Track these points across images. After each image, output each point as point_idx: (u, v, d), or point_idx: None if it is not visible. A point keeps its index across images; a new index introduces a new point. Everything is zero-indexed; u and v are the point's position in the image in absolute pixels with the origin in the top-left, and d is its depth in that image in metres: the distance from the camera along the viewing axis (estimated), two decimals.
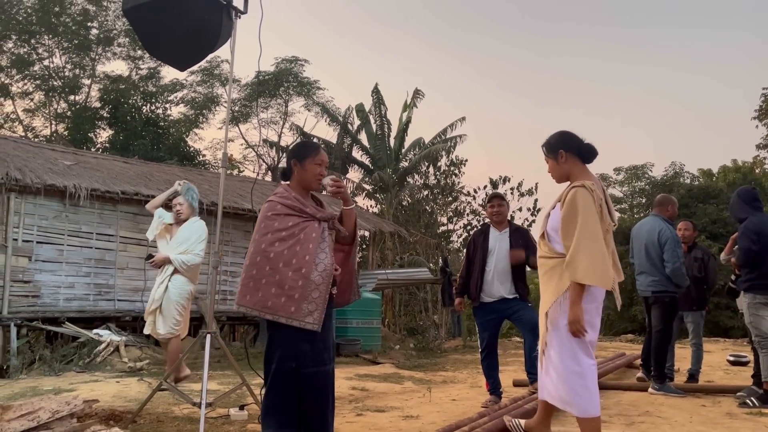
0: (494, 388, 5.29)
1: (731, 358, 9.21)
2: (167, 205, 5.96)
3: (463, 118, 21.52)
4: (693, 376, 6.59)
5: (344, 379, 6.88)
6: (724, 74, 62.78)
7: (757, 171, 27.03)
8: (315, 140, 22.64)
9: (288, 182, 3.37)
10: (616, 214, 3.59)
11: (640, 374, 6.36)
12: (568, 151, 3.33)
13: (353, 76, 52.83)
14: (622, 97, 63.93)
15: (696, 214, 22.42)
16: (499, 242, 5.28)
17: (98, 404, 4.54)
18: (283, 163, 23.47)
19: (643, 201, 27.69)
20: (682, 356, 7.50)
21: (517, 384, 6.30)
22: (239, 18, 4.68)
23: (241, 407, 4.64)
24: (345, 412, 4.89)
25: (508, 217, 5.53)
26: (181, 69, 5.09)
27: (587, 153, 3.34)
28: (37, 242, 9.27)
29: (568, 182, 3.34)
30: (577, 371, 3.14)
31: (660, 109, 62.28)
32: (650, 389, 5.65)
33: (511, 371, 7.28)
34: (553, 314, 3.24)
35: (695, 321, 6.59)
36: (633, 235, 6.10)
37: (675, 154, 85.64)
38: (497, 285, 5.19)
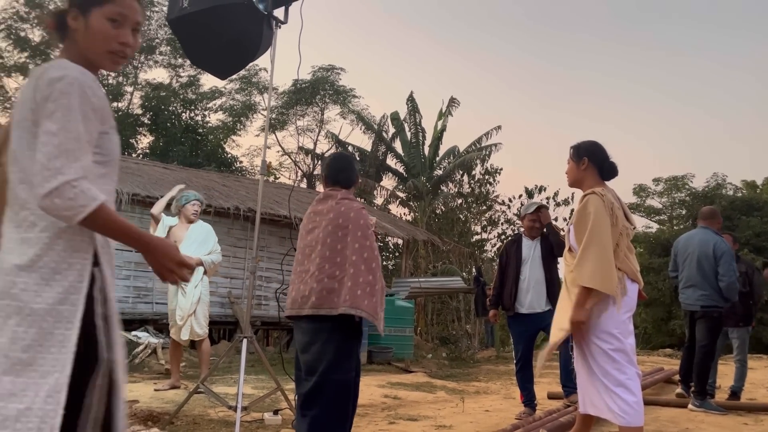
0: (529, 400, 5.23)
1: None
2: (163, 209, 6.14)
3: (499, 127, 21.42)
4: (735, 393, 6.41)
5: (376, 386, 6.88)
6: None
7: None
8: (350, 148, 22.80)
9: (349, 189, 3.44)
10: (635, 218, 3.62)
11: (679, 390, 6.21)
12: (591, 161, 3.41)
13: (389, 85, 53.01)
14: (659, 107, 62.72)
15: (739, 227, 21.82)
16: (532, 251, 5.25)
17: (138, 405, 4.64)
18: (317, 171, 23.39)
19: (684, 212, 27.07)
20: (723, 373, 7.30)
21: (551, 396, 6.21)
22: (279, 28, 4.76)
23: (276, 412, 4.68)
24: (377, 420, 4.90)
25: (548, 218, 5.47)
26: (222, 78, 5.21)
27: (608, 171, 3.44)
28: None
29: (584, 191, 3.40)
30: (620, 380, 3.13)
31: (699, 119, 60.91)
32: (690, 405, 5.51)
33: (545, 383, 7.18)
34: (592, 326, 3.23)
35: (741, 337, 6.41)
36: (679, 247, 5.91)
37: (716, 166, 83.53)
38: (532, 295, 5.16)
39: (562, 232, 5.27)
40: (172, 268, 1.68)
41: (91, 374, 1.59)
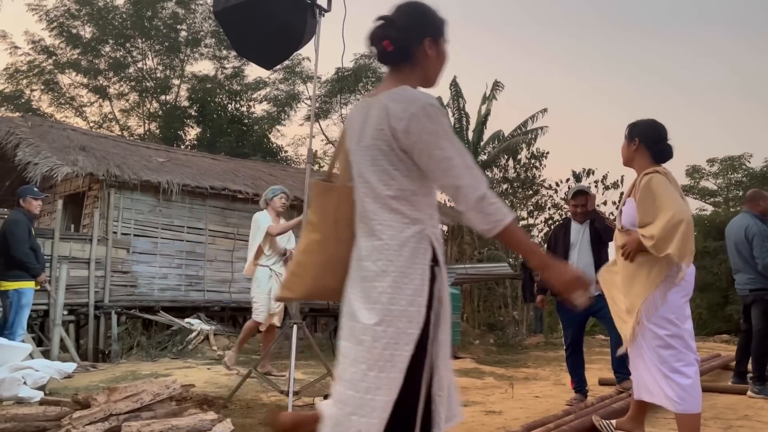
0: (580, 386, 5.16)
1: None
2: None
3: (545, 110, 20.98)
4: None
5: None
6: None
7: None
8: None
9: None
10: (689, 200, 3.53)
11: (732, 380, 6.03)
12: (643, 142, 3.33)
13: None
14: (715, 87, 60.38)
15: None
16: (581, 235, 5.16)
17: (194, 389, 4.78)
18: None
19: (740, 194, 26.08)
20: None
21: (603, 383, 6.11)
22: (323, 16, 4.77)
23: (326, 397, 4.75)
24: None
25: (593, 205, 5.34)
26: (268, 68, 5.27)
27: (660, 153, 3.34)
28: (134, 235, 9.85)
29: (637, 171, 3.34)
30: (677, 366, 3.05)
31: (759, 96, 58.39)
32: (749, 392, 5.34)
33: (596, 369, 7.06)
34: (647, 311, 3.15)
35: None
36: (726, 233, 5.91)
37: None
38: None
39: (611, 217, 5.16)
40: (571, 284, 1.78)
41: (422, 366, 1.77)
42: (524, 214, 24.18)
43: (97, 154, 9.93)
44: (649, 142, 3.34)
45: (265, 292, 6.15)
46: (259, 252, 6.14)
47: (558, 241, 5.28)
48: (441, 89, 23.56)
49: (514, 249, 1.85)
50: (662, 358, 3.08)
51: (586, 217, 5.20)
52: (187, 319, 9.58)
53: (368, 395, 1.70)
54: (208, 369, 6.87)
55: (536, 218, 24.42)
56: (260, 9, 4.61)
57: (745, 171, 25.98)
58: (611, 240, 5.19)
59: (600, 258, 5.10)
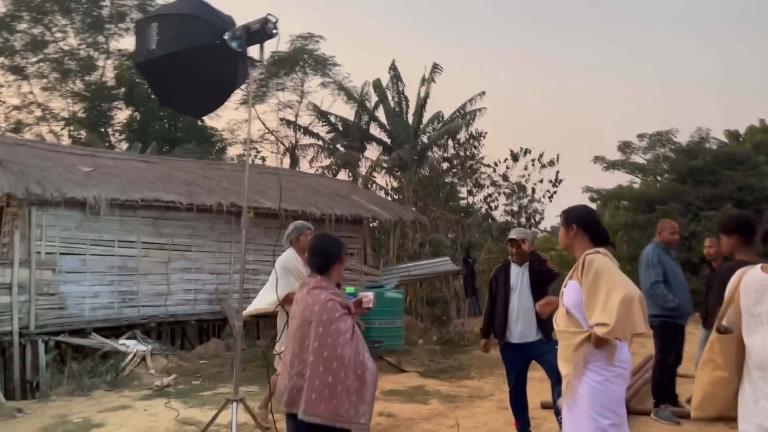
0: (523, 428, 5.24)
1: None
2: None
3: (483, 93, 21.10)
4: None
5: None
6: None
7: None
8: (332, 118, 22.28)
9: (326, 276, 3.29)
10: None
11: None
12: (580, 227, 3.38)
13: (369, 53, 51.85)
14: (643, 61, 62.08)
15: (722, 182, 21.93)
16: (520, 278, 5.14)
17: None
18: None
19: (667, 167, 27.06)
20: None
21: (544, 406, 6.25)
22: (256, 67, 4.49)
23: None
24: None
25: (531, 247, 5.29)
26: (198, 116, 5.00)
27: (598, 236, 3.39)
28: (60, 254, 9.31)
29: (576, 256, 3.36)
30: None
31: (682, 72, 60.48)
32: (652, 415, 5.80)
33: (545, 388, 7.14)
34: (588, 397, 3.17)
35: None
36: None
37: (701, 119, 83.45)
38: (522, 324, 5.07)
39: (548, 261, 5.16)
40: None
41: None
42: (464, 192, 24.43)
43: (14, 168, 9.25)
44: (586, 226, 3.38)
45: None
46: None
47: (499, 285, 5.26)
48: (380, 72, 23.18)
49: None
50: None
51: (525, 259, 5.18)
52: (121, 340, 9.21)
53: None
54: (146, 410, 6.60)
55: (476, 196, 24.71)
56: (186, 62, 4.29)
57: (672, 145, 26.91)
58: (551, 282, 5.23)
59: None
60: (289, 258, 5.24)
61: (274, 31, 4.34)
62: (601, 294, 3.10)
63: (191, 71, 4.36)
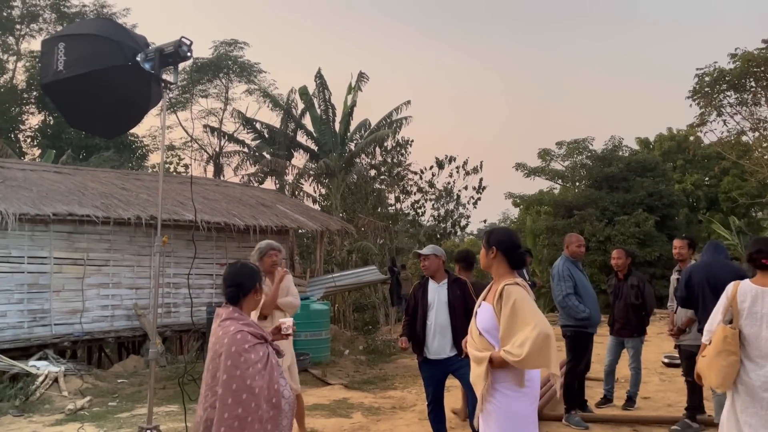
0: None
1: (666, 360, 9.67)
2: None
3: (408, 102, 21.43)
4: (631, 398, 6.90)
5: None
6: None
7: (691, 138, 27.77)
8: (258, 126, 22.01)
9: (238, 306, 3.29)
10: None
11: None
12: (500, 250, 3.48)
13: (295, 61, 51.57)
14: (565, 68, 64.68)
15: (634, 188, 23.10)
16: (438, 295, 5.28)
17: None
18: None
19: (584, 174, 28.24)
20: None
21: (454, 412, 6.52)
22: (169, 90, 4.44)
23: None
24: None
25: (444, 267, 5.45)
26: (109, 138, 4.85)
27: (517, 260, 3.52)
28: None
29: (494, 277, 3.51)
30: None
31: (601, 81, 63.42)
32: (563, 420, 6.11)
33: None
34: (484, 407, 3.35)
35: (635, 346, 6.89)
36: None
37: (615, 128, 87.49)
38: (439, 340, 5.20)
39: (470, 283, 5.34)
40: None
41: None
42: (392, 200, 24.71)
43: None
44: (506, 250, 3.48)
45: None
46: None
47: (417, 301, 5.38)
48: (306, 80, 23.07)
49: None
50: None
51: (442, 277, 5.34)
52: (31, 362, 8.79)
53: None
54: None
55: (403, 203, 25.06)
56: (96, 84, 4.19)
57: (589, 153, 28.14)
58: (471, 305, 5.38)
59: (456, 319, 5.24)
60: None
61: (189, 54, 4.30)
62: (516, 328, 3.21)
63: (101, 93, 4.25)
